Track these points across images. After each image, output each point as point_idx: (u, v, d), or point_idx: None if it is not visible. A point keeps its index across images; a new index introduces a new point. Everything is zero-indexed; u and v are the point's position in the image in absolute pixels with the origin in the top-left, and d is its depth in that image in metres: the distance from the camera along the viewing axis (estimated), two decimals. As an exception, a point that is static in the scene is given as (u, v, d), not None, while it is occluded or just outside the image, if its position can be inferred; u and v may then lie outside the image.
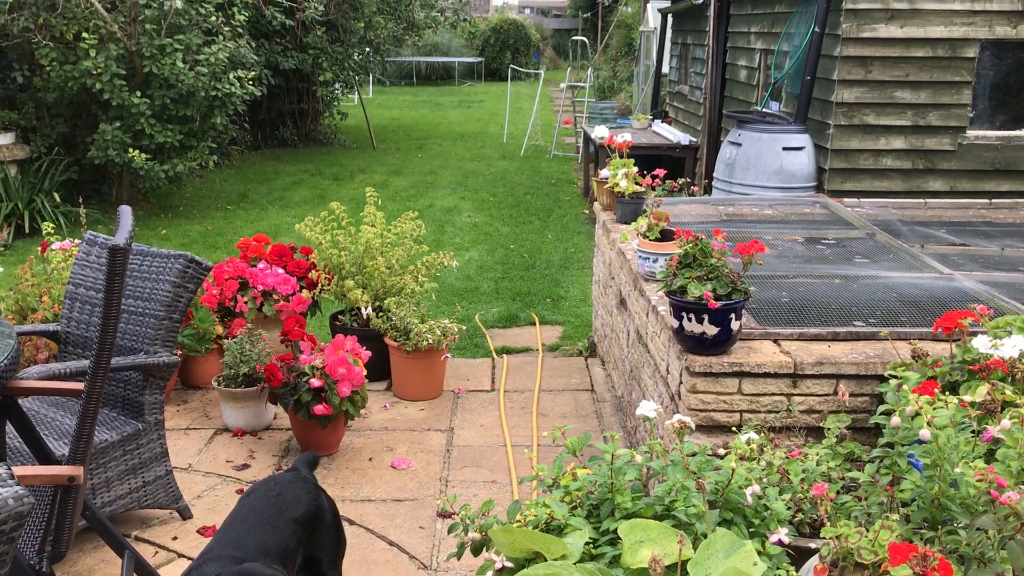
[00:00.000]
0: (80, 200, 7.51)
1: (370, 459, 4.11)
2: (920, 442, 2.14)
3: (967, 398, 2.33)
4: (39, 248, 4.95)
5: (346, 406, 3.99)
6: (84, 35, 8.27)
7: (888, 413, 2.29)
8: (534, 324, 6.20)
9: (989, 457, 2.21)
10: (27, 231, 8.35)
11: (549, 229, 9.13)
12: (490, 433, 4.40)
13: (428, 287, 5.17)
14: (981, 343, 2.60)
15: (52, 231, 5.11)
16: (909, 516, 2.14)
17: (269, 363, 4.13)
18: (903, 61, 6.21)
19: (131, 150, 8.58)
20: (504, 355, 5.53)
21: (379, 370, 4.85)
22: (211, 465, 4.03)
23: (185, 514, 3.56)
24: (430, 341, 4.63)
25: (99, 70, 8.29)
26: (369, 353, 4.27)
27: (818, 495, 1.88)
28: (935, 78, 6.25)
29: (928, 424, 2.05)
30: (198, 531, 3.47)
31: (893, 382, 2.30)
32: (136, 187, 9.49)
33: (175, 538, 3.43)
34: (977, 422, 2.27)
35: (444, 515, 3.61)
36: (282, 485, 2.52)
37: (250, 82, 9.47)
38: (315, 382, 3.92)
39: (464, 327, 5.38)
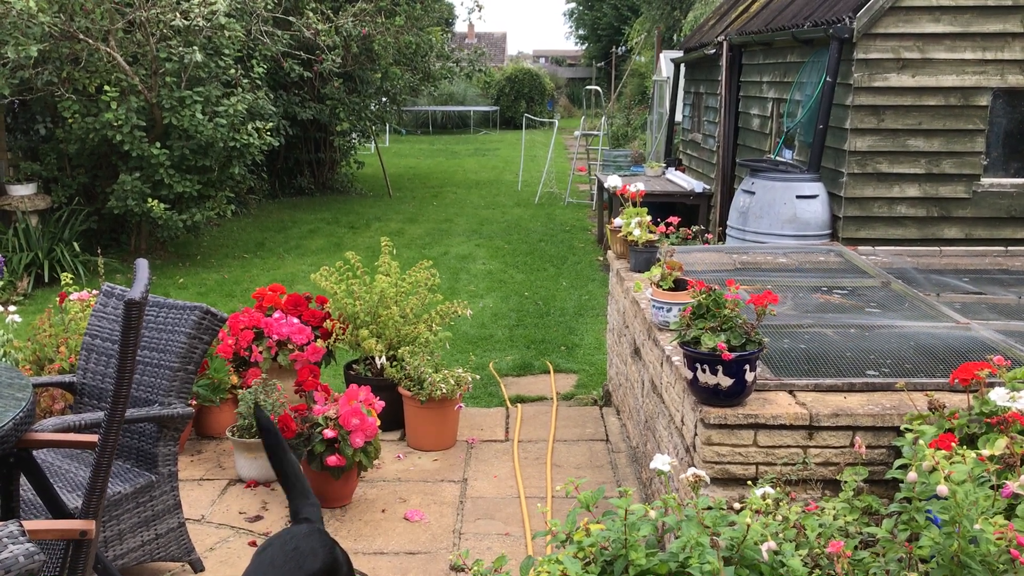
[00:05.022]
0: (99, 250, 7.59)
1: (383, 511, 4.09)
2: (938, 497, 2.11)
3: (985, 452, 2.29)
4: (58, 298, 4.99)
5: (359, 457, 3.98)
6: (106, 88, 8.43)
7: (905, 467, 2.27)
8: (548, 372, 6.18)
9: (1009, 513, 2.17)
10: (47, 280, 8.44)
11: (563, 276, 9.15)
12: (504, 484, 4.36)
13: (442, 336, 5.18)
14: (999, 395, 2.57)
15: (71, 281, 5.16)
16: (929, 573, 2.10)
17: (283, 413, 4.13)
18: (915, 110, 6.24)
19: (150, 200, 8.70)
20: (518, 404, 5.51)
21: (393, 420, 4.84)
22: (224, 516, 4.02)
23: (197, 567, 3.54)
24: (444, 391, 4.62)
25: (120, 122, 8.44)
26: (383, 403, 4.26)
27: (834, 552, 1.86)
28: (948, 126, 6.27)
29: (946, 479, 2.02)
30: (210, 584, 3.45)
31: (909, 436, 2.27)
32: (155, 236, 9.61)
33: (187, 591, 3.41)
34: (996, 476, 2.23)
35: (457, 569, 3.57)
36: (298, 538, 2.50)
37: (268, 133, 9.61)
38: (328, 433, 3.92)
39: (478, 376, 5.36)
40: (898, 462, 2.27)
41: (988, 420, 2.59)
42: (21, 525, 1.62)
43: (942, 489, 1.99)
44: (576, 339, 6.98)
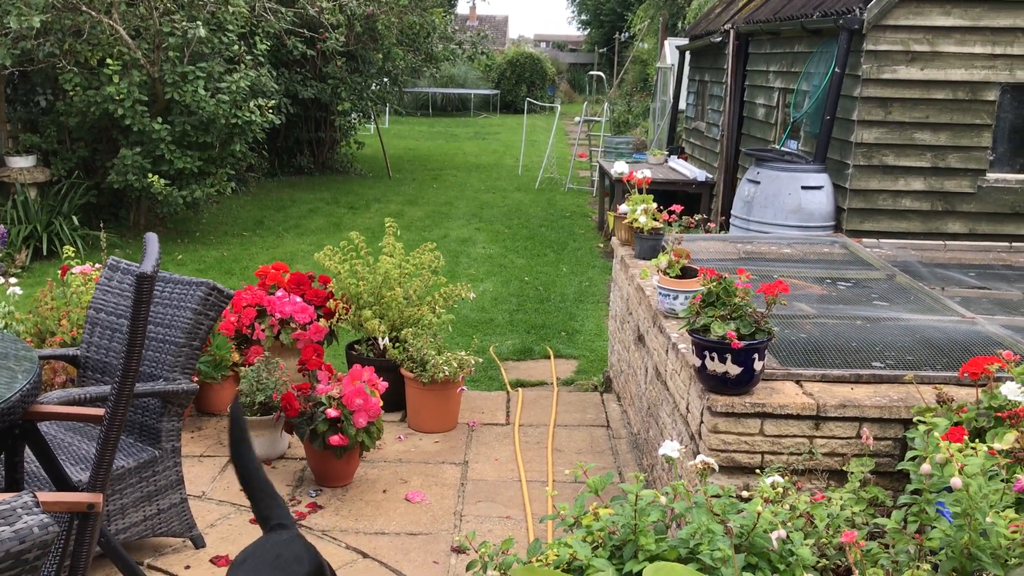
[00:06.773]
0: (101, 224, 7.55)
1: (384, 491, 4.08)
2: (949, 490, 2.11)
3: (996, 446, 2.30)
4: (58, 271, 4.97)
5: (362, 437, 3.97)
6: (108, 61, 8.37)
7: (916, 459, 2.27)
8: (548, 357, 6.18)
9: (1019, 507, 2.18)
10: (45, 253, 8.40)
11: (564, 262, 9.14)
12: (505, 468, 4.37)
13: (445, 319, 5.16)
14: (1011, 390, 2.57)
15: (73, 255, 5.13)
16: (938, 565, 2.10)
17: (286, 392, 4.12)
18: (923, 103, 6.22)
19: (150, 175, 8.65)
20: (519, 388, 5.50)
21: (394, 401, 4.82)
22: (225, 493, 4.01)
23: (198, 543, 3.53)
24: (446, 373, 4.62)
25: (122, 96, 8.38)
26: (386, 384, 4.26)
27: (847, 542, 1.86)
28: (955, 120, 6.25)
29: (959, 472, 2.02)
30: (211, 560, 3.45)
31: (922, 428, 2.27)
32: (154, 212, 9.56)
33: (188, 567, 3.41)
34: (1006, 470, 2.24)
35: (458, 550, 3.57)
36: (279, 546, 2.35)
37: (270, 110, 9.55)
38: (332, 412, 3.91)
39: (480, 359, 5.36)
40: (910, 454, 2.27)
41: (998, 414, 2.60)
42: (35, 496, 1.60)
43: (956, 482, 1.99)
44: (576, 325, 6.98)
